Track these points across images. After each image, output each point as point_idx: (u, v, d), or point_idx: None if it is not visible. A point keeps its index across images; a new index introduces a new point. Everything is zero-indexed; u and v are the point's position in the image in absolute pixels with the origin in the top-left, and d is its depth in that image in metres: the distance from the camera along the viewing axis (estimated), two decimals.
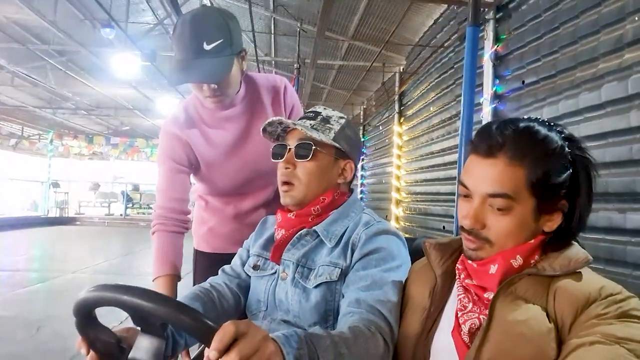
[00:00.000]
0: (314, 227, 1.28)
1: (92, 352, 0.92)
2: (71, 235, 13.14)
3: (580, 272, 0.89)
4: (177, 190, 1.68)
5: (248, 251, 1.43)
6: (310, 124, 1.30)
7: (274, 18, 8.19)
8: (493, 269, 0.93)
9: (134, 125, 18.08)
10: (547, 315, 0.86)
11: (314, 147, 1.28)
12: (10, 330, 3.79)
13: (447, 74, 6.46)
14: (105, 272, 7.28)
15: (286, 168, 1.30)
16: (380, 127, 10.40)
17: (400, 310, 1.11)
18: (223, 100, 1.61)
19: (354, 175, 1.36)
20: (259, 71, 8.96)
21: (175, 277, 1.61)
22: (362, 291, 1.11)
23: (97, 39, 7.96)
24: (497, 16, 4.96)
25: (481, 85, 5.02)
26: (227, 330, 0.74)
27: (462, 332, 0.94)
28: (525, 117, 0.97)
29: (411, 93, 8.29)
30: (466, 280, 0.98)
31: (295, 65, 7.92)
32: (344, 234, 1.26)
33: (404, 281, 1.16)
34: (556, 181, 0.91)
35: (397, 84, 8.93)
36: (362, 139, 11.99)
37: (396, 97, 8.90)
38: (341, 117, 1.35)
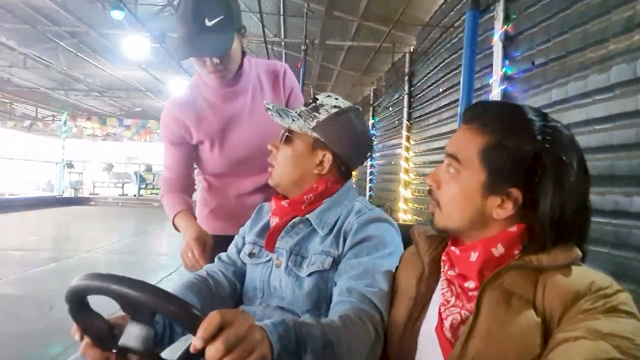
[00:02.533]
0: (306, 215, 1.28)
1: (86, 338, 0.94)
2: (85, 216, 13.34)
3: (570, 267, 0.87)
4: (176, 163, 1.85)
5: (244, 238, 1.44)
6: (300, 110, 1.31)
7: None
8: (473, 256, 0.93)
9: (146, 107, 18.16)
10: (535, 308, 0.84)
11: (287, 134, 1.31)
12: (23, 309, 3.89)
13: (457, 54, 6.36)
14: (119, 251, 7.40)
15: (270, 150, 1.35)
16: (390, 108, 10.33)
17: (391, 298, 1.11)
18: (225, 75, 1.69)
19: (336, 166, 1.32)
20: (268, 52, 8.93)
21: (190, 212, 1.76)
22: (353, 280, 1.12)
23: (108, 20, 7.95)
24: None
25: (490, 66, 4.95)
26: (212, 319, 0.74)
27: (444, 328, 0.93)
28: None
29: (421, 74, 8.20)
30: (449, 272, 0.98)
31: (302, 46, 7.85)
32: (336, 222, 1.26)
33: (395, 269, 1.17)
34: (510, 162, 0.89)
35: (407, 64, 8.84)
36: (372, 120, 11.92)
37: (406, 78, 8.82)
38: (335, 107, 1.30)
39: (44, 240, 8.47)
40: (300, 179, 1.31)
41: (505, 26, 4.86)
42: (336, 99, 1.34)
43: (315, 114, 1.29)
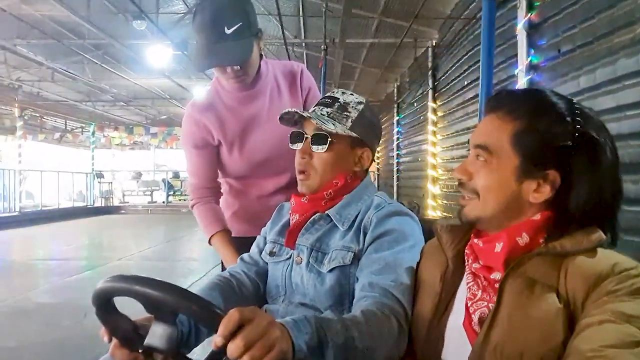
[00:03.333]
0: (326, 212, 1.29)
1: (114, 340, 0.96)
2: (116, 224, 13.63)
3: (594, 250, 0.86)
4: (201, 167, 1.85)
5: (265, 238, 1.45)
6: (327, 112, 1.29)
7: None
8: (498, 247, 0.92)
9: (171, 114, 18.45)
10: (559, 294, 0.83)
11: (329, 139, 1.27)
12: (59, 317, 3.99)
13: (481, 46, 6.27)
14: (150, 258, 7.52)
15: (302, 158, 1.31)
16: (415, 104, 10.24)
17: (414, 291, 1.11)
18: (245, 80, 1.70)
19: (372, 161, 1.36)
20: (288, 54, 8.95)
21: (226, 232, 1.79)
22: (375, 275, 1.11)
23: (130, 31, 8.11)
24: None
25: (515, 56, 4.87)
26: (232, 316, 0.76)
27: (472, 323, 0.92)
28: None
29: (444, 68, 8.11)
30: (474, 265, 0.97)
31: (322, 46, 7.85)
32: (356, 217, 1.26)
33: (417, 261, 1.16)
34: (544, 144, 0.88)
35: (430, 58, 8.75)
36: (397, 117, 11.84)
37: (429, 73, 8.74)
38: (359, 103, 1.32)
39: (78, 250, 8.67)
40: (339, 179, 1.31)
41: (529, 14, 4.76)
42: (351, 94, 1.34)
43: (345, 113, 1.29)
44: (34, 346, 3.52)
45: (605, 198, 0.88)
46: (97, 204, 17.76)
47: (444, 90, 8.13)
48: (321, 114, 1.29)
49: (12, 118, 15.65)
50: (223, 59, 1.59)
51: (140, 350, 0.92)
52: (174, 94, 14.23)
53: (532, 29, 4.75)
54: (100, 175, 18.46)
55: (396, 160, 11.82)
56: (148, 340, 0.89)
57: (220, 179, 1.95)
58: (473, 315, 0.92)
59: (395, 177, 11.95)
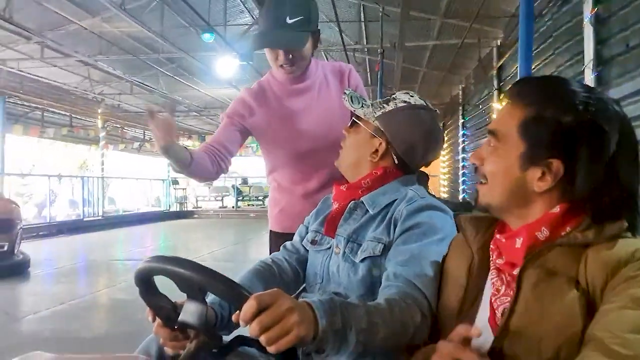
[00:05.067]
0: (361, 198, 1.33)
1: (157, 319, 1.06)
2: (189, 227, 14.25)
3: (615, 239, 0.83)
4: (220, 133, 1.87)
5: (307, 228, 1.49)
6: (374, 101, 1.39)
7: (362, 5, 8.19)
8: (518, 242, 0.91)
9: None
10: (578, 284, 0.81)
11: (353, 119, 1.40)
12: (133, 311, 4.24)
13: (546, 43, 6.06)
14: (220, 259, 7.81)
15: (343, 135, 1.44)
16: (480, 106, 10.00)
17: (440, 284, 1.10)
18: (294, 71, 1.82)
19: (390, 156, 1.34)
20: (348, 60, 9.03)
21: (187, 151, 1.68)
22: (400, 265, 1.13)
23: (201, 44, 8.50)
24: None
25: (582, 52, 4.68)
26: (249, 304, 0.81)
27: (496, 318, 0.91)
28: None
29: (510, 67, 7.88)
30: (498, 260, 0.95)
31: (379, 50, 7.87)
32: (388, 205, 1.28)
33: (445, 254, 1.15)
34: (550, 132, 0.87)
35: (494, 58, 8.54)
36: (462, 120, 11.59)
37: (494, 73, 8.51)
38: (404, 102, 1.33)
39: (154, 251, 9.15)
40: (356, 163, 1.37)
41: (595, 8, 4.57)
42: (411, 96, 1.35)
43: (384, 105, 1.35)
44: (109, 337, 3.82)
45: (620, 188, 0.85)
46: (173, 209, 18.65)
47: None
48: (364, 101, 1.39)
49: (95, 129, 16.70)
50: (277, 42, 1.74)
51: (176, 327, 1.01)
52: None
53: (599, 24, 4.55)
54: (175, 182, 19.35)
55: (462, 164, 11.56)
56: (182, 317, 0.97)
57: (269, 177, 2.05)
58: (497, 311, 0.91)
59: (460, 180, 11.70)
